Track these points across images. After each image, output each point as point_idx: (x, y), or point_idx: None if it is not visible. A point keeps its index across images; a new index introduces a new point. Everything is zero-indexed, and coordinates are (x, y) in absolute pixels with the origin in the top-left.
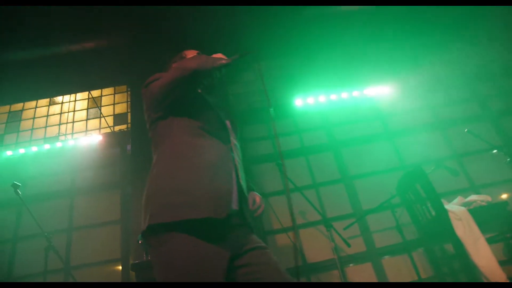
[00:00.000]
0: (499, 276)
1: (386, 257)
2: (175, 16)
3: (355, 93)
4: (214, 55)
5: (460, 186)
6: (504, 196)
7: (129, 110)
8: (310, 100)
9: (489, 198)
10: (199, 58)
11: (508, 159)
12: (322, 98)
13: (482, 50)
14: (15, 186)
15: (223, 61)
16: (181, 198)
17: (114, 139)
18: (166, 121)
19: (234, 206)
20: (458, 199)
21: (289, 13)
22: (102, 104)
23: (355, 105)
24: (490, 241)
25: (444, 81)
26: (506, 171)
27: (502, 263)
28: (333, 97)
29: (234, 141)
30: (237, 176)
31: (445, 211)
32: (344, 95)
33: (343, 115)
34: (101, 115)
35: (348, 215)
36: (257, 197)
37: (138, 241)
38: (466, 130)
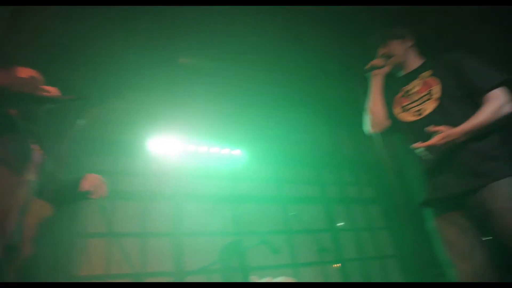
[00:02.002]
0: None
1: None
2: None
3: (213, 149)
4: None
5: (284, 262)
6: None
7: None
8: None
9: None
10: (17, 79)
11: (317, 247)
12: (176, 146)
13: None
14: None
15: (45, 94)
16: None
17: None
18: None
19: None
20: (268, 278)
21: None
22: None
23: (208, 160)
24: None
25: (296, 159)
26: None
27: None
28: (190, 147)
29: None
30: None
31: None
32: (203, 148)
33: (194, 167)
34: None
35: (166, 273)
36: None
37: None
38: (292, 213)
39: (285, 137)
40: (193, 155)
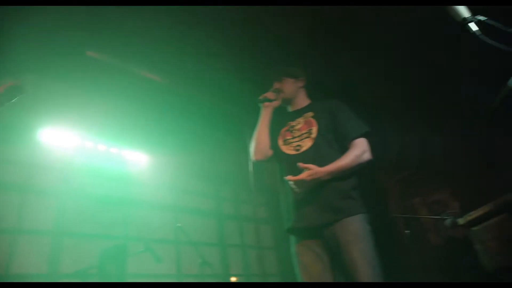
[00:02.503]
0: None
1: None
2: None
3: (111, 149)
4: None
5: (168, 272)
6: None
7: None
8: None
9: None
10: None
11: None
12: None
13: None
14: None
15: None
16: None
17: None
18: None
19: None
20: None
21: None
22: None
23: (103, 159)
24: None
25: (194, 170)
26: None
27: None
28: (86, 144)
29: None
30: None
31: None
32: (99, 146)
33: (86, 164)
34: None
35: (37, 275)
36: None
37: None
38: (178, 224)
39: (185, 147)
40: (87, 151)
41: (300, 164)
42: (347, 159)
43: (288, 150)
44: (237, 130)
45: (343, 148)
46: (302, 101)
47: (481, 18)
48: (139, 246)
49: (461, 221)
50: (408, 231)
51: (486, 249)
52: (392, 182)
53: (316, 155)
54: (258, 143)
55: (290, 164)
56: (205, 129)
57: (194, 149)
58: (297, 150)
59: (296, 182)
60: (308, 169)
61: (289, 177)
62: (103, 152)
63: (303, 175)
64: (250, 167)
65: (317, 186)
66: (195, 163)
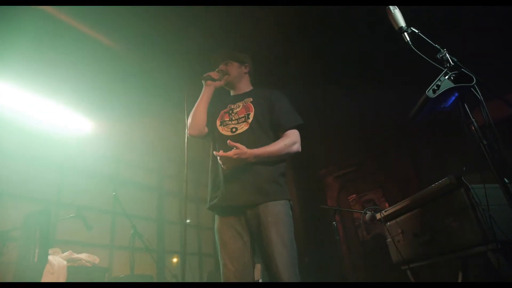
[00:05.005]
0: None
1: None
2: None
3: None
4: None
5: (100, 241)
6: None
7: None
8: None
9: (96, 260)
10: None
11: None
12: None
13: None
14: None
15: None
16: None
17: None
18: None
19: None
20: (69, 252)
21: None
22: None
23: (47, 120)
24: None
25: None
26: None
27: None
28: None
29: None
30: None
31: (46, 261)
32: (44, 106)
33: (27, 124)
34: None
35: None
36: None
37: None
38: (113, 193)
39: (134, 120)
40: (29, 110)
41: (230, 142)
42: (276, 147)
43: (224, 131)
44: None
45: (277, 137)
46: (245, 86)
47: (415, 30)
48: (71, 212)
49: (378, 215)
50: (334, 223)
51: (394, 243)
52: (332, 178)
53: (250, 139)
54: (194, 119)
55: (223, 144)
56: (155, 105)
57: (142, 123)
58: (233, 132)
59: (222, 158)
60: (237, 148)
61: (216, 153)
62: (44, 113)
63: (230, 153)
64: (185, 143)
65: (246, 168)
66: (141, 138)
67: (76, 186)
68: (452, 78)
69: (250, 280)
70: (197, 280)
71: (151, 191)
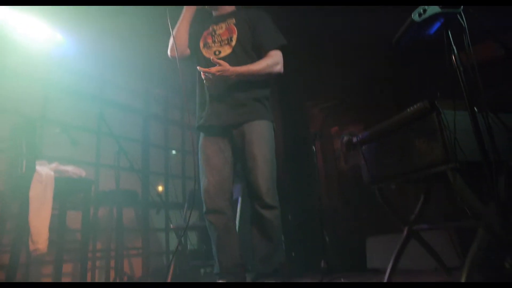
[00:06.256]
0: (43, 236)
1: None
2: None
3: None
4: None
5: (85, 159)
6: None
7: None
8: None
9: (83, 173)
10: None
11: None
12: None
13: None
14: None
15: None
16: None
17: None
18: None
19: None
20: (55, 164)
21: None
22: None
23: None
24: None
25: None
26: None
27: None
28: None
29: None
30: None
31: (33, 170)
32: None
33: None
34: None
35: None
36: None
37: None
38: (99, 110)
39: (122, 39)
40: (9, 23)
41: (213, 59)
42: (258, 66)
43: (207, 53)
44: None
45: (260, 58)
46: (227, 7)
47: None
48: (56, 129)
49: (354, 139)
50: (313, 147)
51: (366, 165)
52: (316, 110)
53: (233, 63)
54: (176, 41)
55: (207, 67)
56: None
57: (129, 43)
58: (216, 55)
59: (205, 74)
60: (220, 65)
61: (200, 68)
62: (26, 26)
63: (213, 69)
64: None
65: (231, 88)
66: (128, 58)
67: (61, 103)
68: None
69: (228, 193)
70: (179, 199)
71: (136, 113)
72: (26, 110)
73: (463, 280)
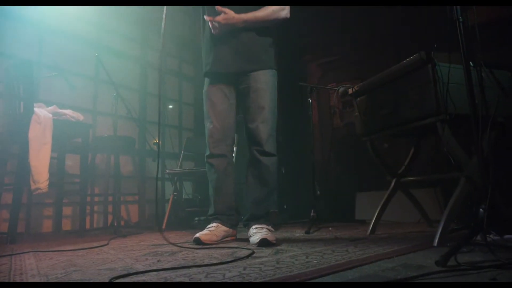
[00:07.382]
0: (44, 176)
1: None
2: None
3: None
4: None
5: (82, 105)
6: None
7: None
8: None
9: (80, 117)
10: None
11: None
12: None
13: None
14: None
15: None
16: None
17: None
18: None
19: None
20: (53, 107)
21: None
22: None
23: None
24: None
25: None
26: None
27: None
28: None
29: None
30: None
31: (32, 112)
32: None
33: None
34: None
35: None
36: None
37: None
38: (96, 54)
39: None
40: None
41: (218, 7)
42: (264, 12)
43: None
44: None
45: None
46: None
47: None
48: (53, 72)
49: (350, 90)
50: (309, 99)
51: (360, 116)
52: (315, 65)
53: (239, 10)
54: None
55: (213, 15)
56: None
57: None
58: (223, 6)
59: (212, 23)
60: (225, 13)
61: (207, 17)
62: None
63: (218, 17)
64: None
65: (237, 35)
66: (127, 6)
67: (57, 47)
68: None
69: (230, 138)
70: (176, 148)
71: (134, 61)
72: (21, 53)
73: (440, 229)
